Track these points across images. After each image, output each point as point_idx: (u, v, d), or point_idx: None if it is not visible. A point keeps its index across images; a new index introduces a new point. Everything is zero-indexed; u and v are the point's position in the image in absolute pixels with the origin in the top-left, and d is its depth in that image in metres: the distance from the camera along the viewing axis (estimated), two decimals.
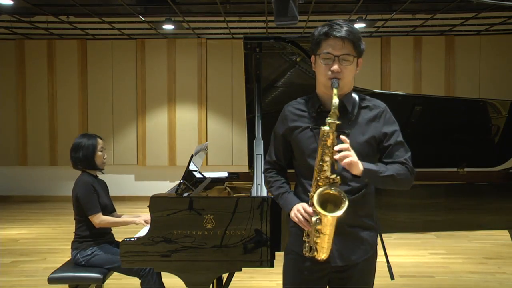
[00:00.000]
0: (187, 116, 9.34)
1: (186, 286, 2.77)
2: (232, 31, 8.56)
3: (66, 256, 3.61)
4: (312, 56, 2.07)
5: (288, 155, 2.20)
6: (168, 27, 7.92)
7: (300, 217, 1.98)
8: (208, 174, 3.73)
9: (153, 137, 9.35)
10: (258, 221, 2.68)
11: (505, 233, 3.69)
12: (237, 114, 9.16)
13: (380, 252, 2.75)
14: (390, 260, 2.73)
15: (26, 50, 9.31)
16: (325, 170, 1.91)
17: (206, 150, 4.08)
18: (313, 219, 1.93)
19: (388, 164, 2.01)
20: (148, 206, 2.80)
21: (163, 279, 3.28)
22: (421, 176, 3.90)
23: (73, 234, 3.49)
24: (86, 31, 8.65)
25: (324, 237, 1.94)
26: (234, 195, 3.18)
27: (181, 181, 3.06)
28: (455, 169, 3.91)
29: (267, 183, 2.27)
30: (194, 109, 9.34)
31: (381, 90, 8.45)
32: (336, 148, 1.87)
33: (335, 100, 1.89)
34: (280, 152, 2.20)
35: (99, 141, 3.55)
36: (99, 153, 3.53)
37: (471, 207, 3.31)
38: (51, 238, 6.49)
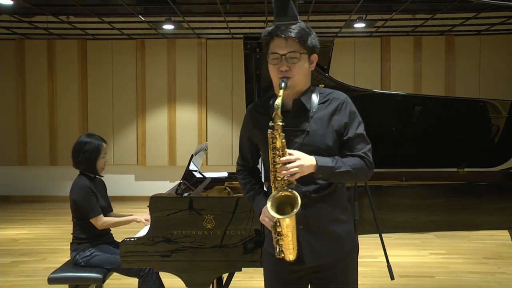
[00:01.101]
0: (187, 116, 9.34)
1: (186, 286, 2.77)
2: (232, 31, 8.56)
3: (66, 256, 3.61)
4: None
5: (256, 156, 2.20)
6: (168, 27, 7.92)
7: (267, 220, 2.00)
8: (208, 174, 3.73)
9: (153, 137, 9.35)
10: (258, 221, 2.67)
11: (505, 233, 3.69)
12: (237, 114, 9.16)
13: (380, 252, 2.76)
14: (390, 260, 2.73)
15: (26, 50, 9.31)
16: (278, 172, 1.91)
17: (206, 150, 4.08)
18: (271, 223, 1.95)
19: (347, 157, 2.00)
20: (148, 206, 2.80)
21: (163, 279, 3.27)
22: (421, 176, 3.91)
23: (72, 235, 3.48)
24: (86, 31, 8.65)
25: (286, 239, 1.95)
26: (234, 195, 3.18)
27: (181, 181, 3.06)
28: (455, 169, 3.91)
29: (240, 185, 2.27)
30: (194, 109, 9.34)
31: (381, 90, 8.45)
32: (283, 159, 1.88)
33: (277, 102, 1.88)
34: (247, 154, 2.21)
35: (104, 145, 3.50)
36: (102, 158, 3.48)
37: (471, 207, 3.31)
38: (50, 238, 6.49)
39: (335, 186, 2.04)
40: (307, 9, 6.81)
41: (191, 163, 3.23)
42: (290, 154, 1.89)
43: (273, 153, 1.92)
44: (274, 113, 1.88)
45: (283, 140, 1.89)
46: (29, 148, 9.34)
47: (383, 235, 2.87)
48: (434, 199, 3.28)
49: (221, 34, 8.91)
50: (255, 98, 3.09)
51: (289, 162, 1.87)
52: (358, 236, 2.81)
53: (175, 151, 9.32)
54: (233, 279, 3.26)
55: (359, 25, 7.90)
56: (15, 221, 7.64)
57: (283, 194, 1.91)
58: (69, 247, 3.46)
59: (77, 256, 3.36)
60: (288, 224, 1.92)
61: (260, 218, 2.06)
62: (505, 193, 3.37)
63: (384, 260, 2.70)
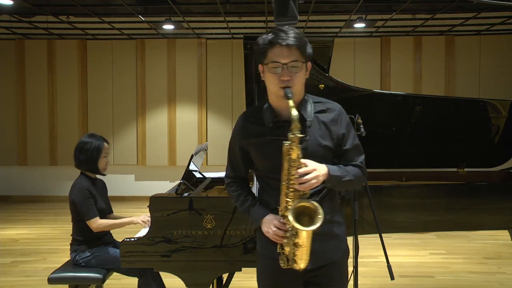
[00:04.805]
0: (187, 116, 9.34)
1: (186, 286, 2.77)
2: (232, 31, 8.56)
3: (66, 256, 3.61)
4: (260, 65, 2.01)
5: (248, 165, 2.16)
6: (168, 27, 7.92)
7: (272, 233, 1.97)
8: (208, 174, 3.73)
9: (153, 137, 9.35)
10: None
11: (505, 233, 3.69)
12: (237, 114, 9.13)
13: (380, 252, 2.76)
14: (390, 260, 2.73)
15: (26, 50, 9.31)
16: (293, 183, 1.89)
17: (206, 150, 4.08)
18: (288, 234, 1.92)
19: (346, 166, 2.03)
20: (148, 206, 2.80)
21: (163, 279, 3.27)
22: (421, 176, 3.91)
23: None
24: (86, 31, 8.65)
25: (302, 249, 1.93)
26: None
27: (181, 181, 3.06)
28: (455, 169, 3.91)
29: (231, 198, 2.23)
30: (194, 109, 9.34)
31: (381, 90, 8.45)
32: (301, 171, 1.86)
33: (294, 113, 1.84)
34: (239, 164, 2.16)
35: (105, 145, 3.49)
36: (103, 158, 3.48)
37: (471, 207, 3.31)
38: (51, 238, 6.49)
39: (328, 187, 2.05)
40: (307, 9, 6.81)
41: (191, 163, 3.23)
42: (304, 165, 1.88)
43: (288, 165, 1.89)
44: (293, 125, 1.85)
45: (299, 152, 1.87)
46: (29, 148, 9.34)
47: (383, 235, 2.87)
48: (434, 199, 3.28)
49: (221, 34, 8.91)
50: (255, 98, 3.10)
51: (306, 174, 1.87)
52: (358, 236, 2.82)
53: (175, 151, 9.32)
54: (233, 279, 3.26)
55: (359, 25, 7.90)
56: (15, 221, 7.64)
57: (301, 205, 1.88)
58: (69, 247, 3.46)
59: (77, 257, 3.36)
60: (307, 235, 1.89)
61: (265, 230, 2.01)
62: (505, 193, 3.37)
63: (384, 260, 2.70)
